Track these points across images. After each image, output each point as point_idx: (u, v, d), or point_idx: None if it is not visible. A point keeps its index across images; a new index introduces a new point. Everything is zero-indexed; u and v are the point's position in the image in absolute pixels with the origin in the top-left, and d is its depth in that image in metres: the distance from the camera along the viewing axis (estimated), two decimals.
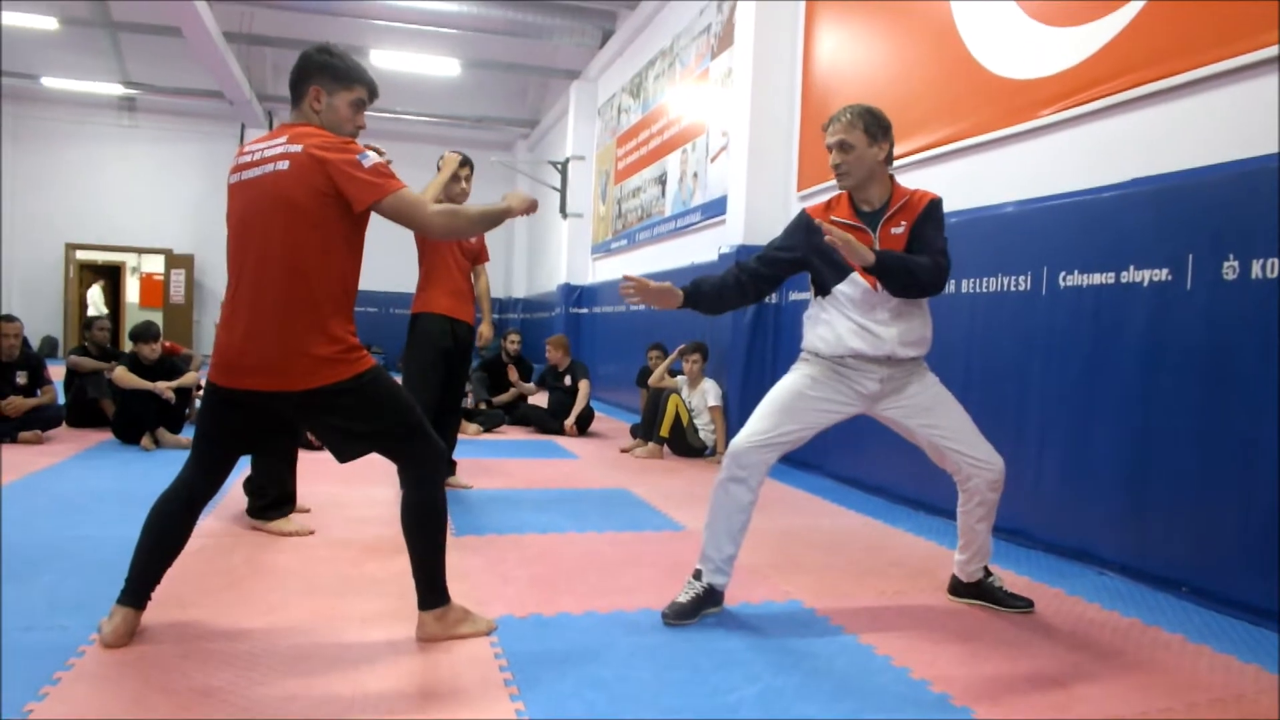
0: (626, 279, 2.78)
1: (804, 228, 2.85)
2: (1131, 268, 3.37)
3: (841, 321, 2.75)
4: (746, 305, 3.02)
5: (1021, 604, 2.93)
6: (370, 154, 2.33)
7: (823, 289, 2.82)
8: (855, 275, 2.72)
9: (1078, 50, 3.88)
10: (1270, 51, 3.04)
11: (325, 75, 2.42)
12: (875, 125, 2.71)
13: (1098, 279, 3.52)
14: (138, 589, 2.37)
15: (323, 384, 2.31)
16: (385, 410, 2.40)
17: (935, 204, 2.77)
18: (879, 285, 2.69)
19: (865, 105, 2.76)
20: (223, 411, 2.42)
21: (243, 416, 2.43)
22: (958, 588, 3.05)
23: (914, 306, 2.76)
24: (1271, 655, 2.59)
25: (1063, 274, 3.68)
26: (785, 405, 2.78)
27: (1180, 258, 3.17)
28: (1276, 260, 2.84)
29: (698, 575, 2.81)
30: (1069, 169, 3.91)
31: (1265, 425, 2.86)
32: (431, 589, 2.45)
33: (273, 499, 3.67)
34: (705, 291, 2.84)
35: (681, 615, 2.70)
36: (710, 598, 2.78)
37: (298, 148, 2.29)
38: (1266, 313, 2.86)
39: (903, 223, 2.74)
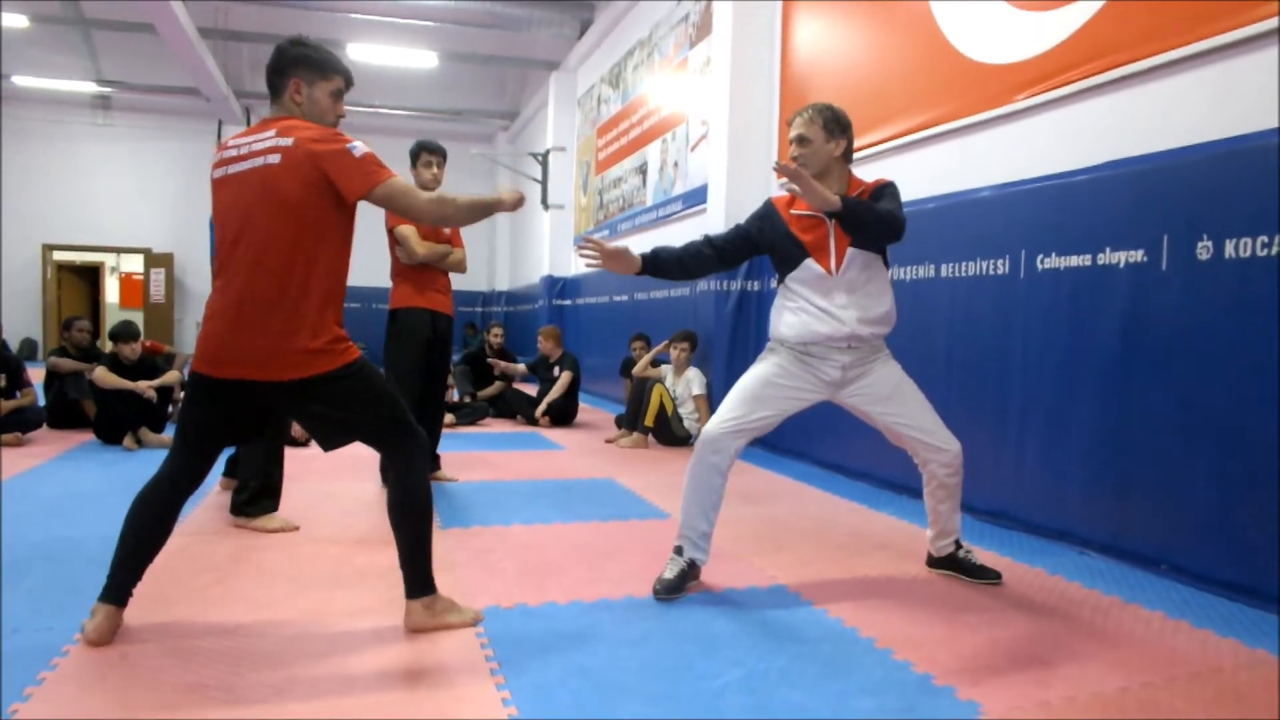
0: (585, 240, 2.86)
1: (765, 217, 3.01)
2: (1108, 249, 3.40)
3: (803, 308, 2.89)
4: (709, 274, 3.16)
5: (990, 575, 3.06)
6: (359, 144, 2.36)
7: (781, 275, 2.99)
8: (808, 262, 2.87)
9: (1053, 34, 3.90)
10: (1244, 32, 3.08)
11: (304, 67, 2.44)
12: (833, 122, 2.86)
13: (1075, 261, 3.55)
14: (119, 585, 2.36)
15: (310, 374, 2.32)
16: (370, 401, 2.42)
17: (886, 184, 2.89)
18: (832, 268, 2.83)
19: (828, 104, 2.91)
20: (206, 403, 2.42)
21: (226, 408, 2.42)
22: (930, 560, 3.23)
23: (872, 285, 2.88)
24: (1249, 630, 2.63)
25: (1040, 257, 3.71)
26: (755, 393, 2.91)
27: (1155, 239, 3.20)
28: (1250, 240, 2.87)
29: (679, 551, 2.95)
30: (1045, 153, 3.93)
31: (1240, 403, 2.90)
32: (419, 578, 2.47)
33: (253, 492, 3.66)
34: (665, 259, 2.96)
35: (671, 590, 2.84)
36: (692, 571, 2.94)
37: (288, 140, 2.30)
38: (1241, 292, 2.90)
39: None
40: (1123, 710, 2.07)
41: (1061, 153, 3.83)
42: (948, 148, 4.64)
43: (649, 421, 6.29)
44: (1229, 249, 2.94)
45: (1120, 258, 3.35)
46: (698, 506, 2.94)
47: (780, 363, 2.93)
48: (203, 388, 2.40)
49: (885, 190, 2.87)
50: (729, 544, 3.49)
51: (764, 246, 3.01)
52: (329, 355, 2.34)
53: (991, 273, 3.97)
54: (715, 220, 6.61)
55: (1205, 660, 2.39)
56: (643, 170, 9.43)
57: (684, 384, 6.35)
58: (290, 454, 4.04)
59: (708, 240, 3.05)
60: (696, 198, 7.69)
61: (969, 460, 3.23)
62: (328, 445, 2.49)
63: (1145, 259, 3.25)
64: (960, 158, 4.53)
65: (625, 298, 9.37)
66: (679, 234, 8.12)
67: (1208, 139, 3.12)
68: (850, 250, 2.84)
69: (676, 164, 8.44)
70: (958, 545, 3.14)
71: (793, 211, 2.94)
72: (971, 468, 3.20)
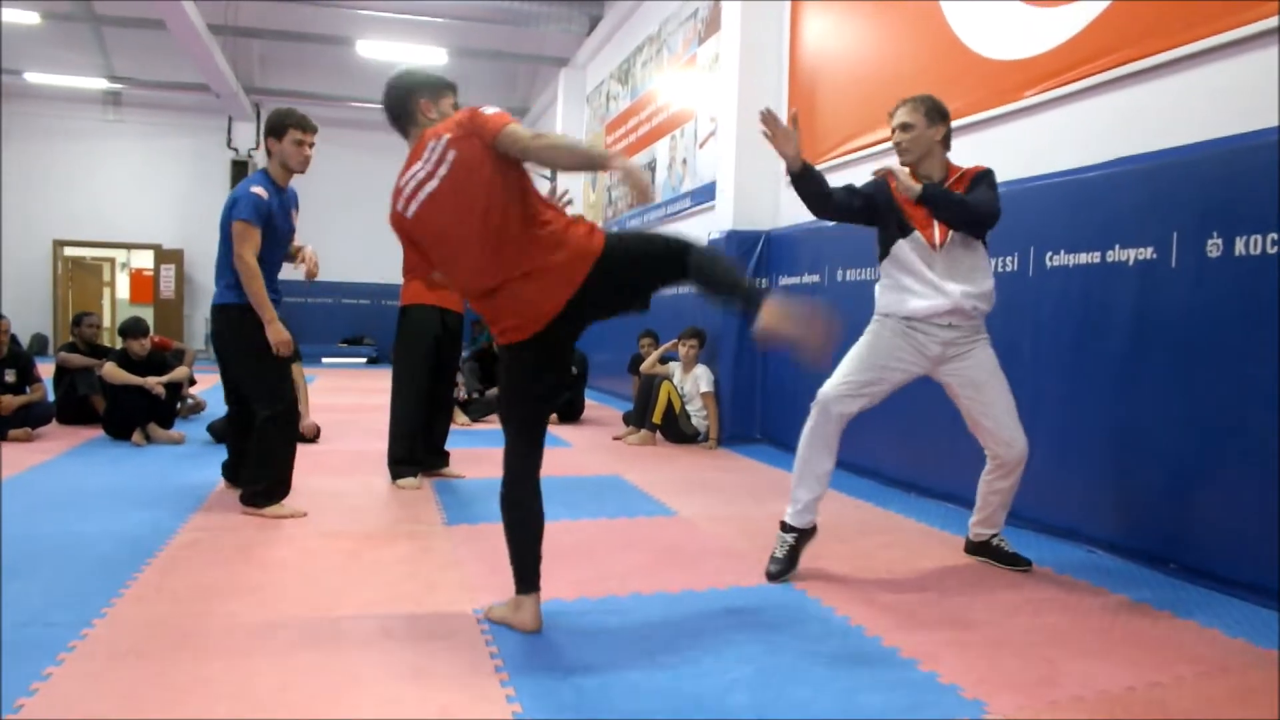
0: (769, 113, 2.95)
1: (879, 186, 3.15)
2: (1117, 247, 3.38)
3: (908, 281, 3.06)
4: (827, 214, 3.17)
5: (1022, 563, 3.19)
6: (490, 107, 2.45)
7: (886, 248, 3.13)
8: (916, 234, 3.05)
9: (1063, 30, 3.88)
10: (1254, 28, 3.05)
11: (425, 89, 2.59)
12: (934, 111, 3.07)
13: (1084, 259, 3.53)
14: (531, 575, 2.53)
15: (597, 258, 2.36)
16: (647, 250, 2.49)
17: (984, 171, 3.08)
18: (937, 242, 2.99)
19: (929, 94, 3.11)
20: (528, 363, 2.50)
21: (546, 359, 2.50)
22: (968, 546, 3.36)
23: (973, 261, 3.04)
24: (1257, 629, 2.62)
25: (1049, 254, 3.70)
26: (865, 359, 3.08)
27: (1165, 236, 3.19)
28: (1260, 237, 2.86)
29: (786, 528, 3.09)
30: (1054, 149, 3.91)
31: (1250, 402, 2.88)
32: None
33: (265, 486, 3.70)
34: (814, 177, 3.04)
35: (784, 569, 3.03)
36: (803, 539, 3.10)
37: (447, 135, 2.40)
38: (1251, 289, 2.87)
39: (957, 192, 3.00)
40: (1129, 710, 2.06)
41: (1071, 149, 3.80)
42: (957, 144, 4.54)
43: (657, 419, 6.28)
44: (1239, 246, 2.92)
45: (1130, 255, 3.33)
46: (812, 472, 3.06)
47: (885, 334, 3.10)
48: (519, 350, 2.47)
49: (983, 178, 3.03)
50: (736, 540, 3.49)
51: (877, 212, 3.11)
52: (592, 236, 2.40)
53: (1000, 270, 3.94)
54: (724, 217, 6.60)
55: (1213, 659, 2.38)
56: (651, 167, 9.42)
57: (692, 381, 6.34)
58: (301, 450, 4.05)
59: (848, 187, 3.16)
60: (705, 195, 7.68)
61: (976, 458, 3.23)
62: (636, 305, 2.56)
63: (1155, 256, 3.23)
64: (969, 154, 4.49)
65: None
66: (688, 230, 8.11)
67: (1218, 135, 3.09)
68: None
69: (685, 161, 8.43)
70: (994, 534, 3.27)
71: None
72: (978, 465, 3.20)
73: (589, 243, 2.37)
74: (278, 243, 3.77)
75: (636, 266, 2.47)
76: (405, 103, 2.56)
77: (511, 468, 2.57)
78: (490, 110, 2.40)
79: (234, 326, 3.72)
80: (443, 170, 2.39)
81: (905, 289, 3.07)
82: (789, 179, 3.04)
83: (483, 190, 2.35)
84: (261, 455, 3.73)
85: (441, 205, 2.40)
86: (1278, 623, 2.67)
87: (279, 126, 3.71)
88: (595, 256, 2.36)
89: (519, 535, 2.55)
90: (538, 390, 2.57)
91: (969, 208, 2.91)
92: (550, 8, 11.19)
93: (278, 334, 3.63)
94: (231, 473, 4.20)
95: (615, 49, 10.99)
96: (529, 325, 2.43)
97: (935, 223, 3.02)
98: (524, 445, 2.58)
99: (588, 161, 2.55)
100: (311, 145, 3.77)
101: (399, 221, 2.51)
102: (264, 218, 3.64)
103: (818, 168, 5.76)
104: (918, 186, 2.88)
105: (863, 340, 3.14)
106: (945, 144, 3.10)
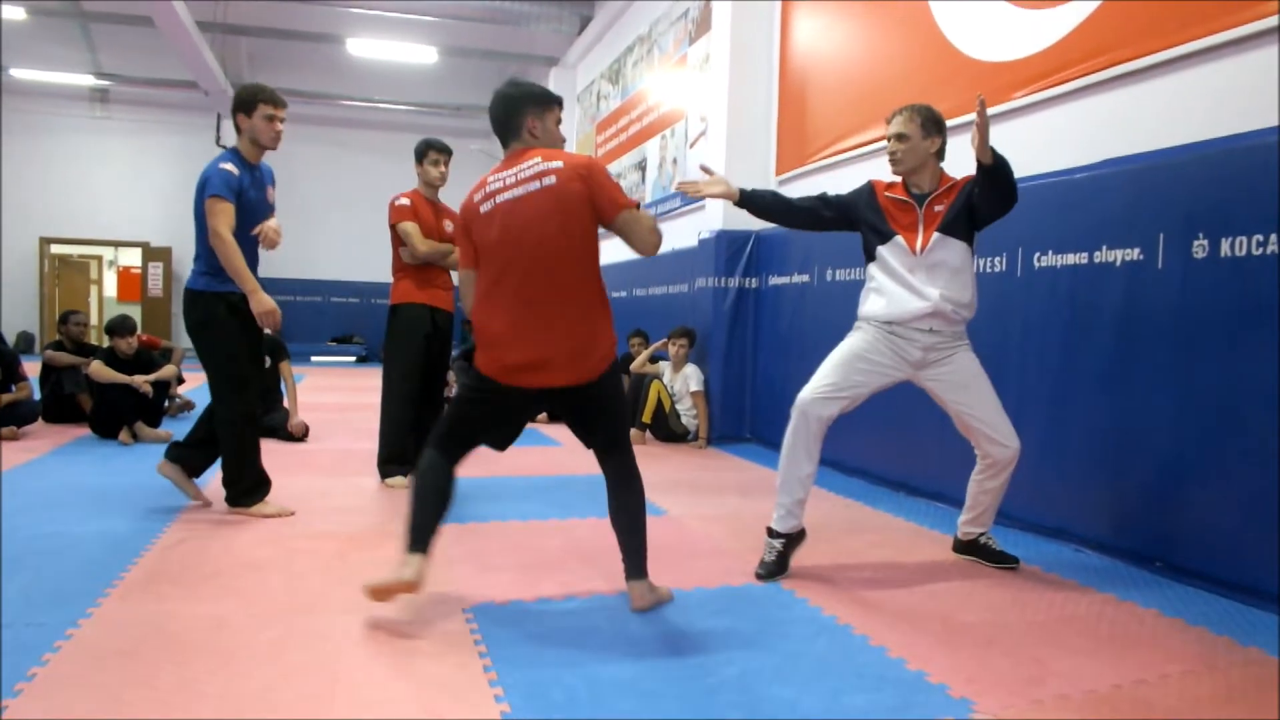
0: (683, 184, 3.16)
1: (863, 193, 3.21)
2: (1104, 247, 3.40)
3: (890, 285, 3.08)
4: (795, 226, 3.38)
5: (1009, 561, 3.21)
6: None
7: (870, 253, 3.16)
8: (897, 239, 3.07)
9: (1051, 32, 3.90)
10: (1242, 30, 3.07)
11: (532, 104, 2.67)
12: (930, 122, 3.07)
13: (1071, 259, 3.55)
14: (424, 537, 2.56)
15: (604, 372, 2.57)
16: (620, 410, 2.74)
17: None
18: (918, 247, 3.03)
19: (926, 104, 3.11)
20: (490, 403, 2.66)
21: (509, 409, 2.68)
22: (956, 545, 3.38)
23: (952, 266, 3.04)
24: (1243, 628, 2.64)
25: (1037, 255, 3.71)
26: (843, 363, 3.09)
27: (1152, 237, 3.20)
28: (1245, 239, 2.87)
29: (772, 534, 3.10)
30: (1042, 150, 3.93)
31: (1237, 401, 2.90)
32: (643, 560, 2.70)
33: (248, 485, 3.69)
34: (764, 197, 3.25)
35: (773, 572, 3.04)
36: (791, 543, 3.11)
37: (558, 164, 2.52)
38: (1236, 290, 2.89)
39: (944, 202, 3.03)
40: (1116, 708, 2.07)
41: (1059, 151, 3.82)
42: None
43: (646, 418, 6.28)
44: (1225, 247, 2.94)
45: (1117, 256, 3.35)
46: (795, 476, 3.06)
47: (866, 338, 3.11)
48: (492, 391, 2.63)
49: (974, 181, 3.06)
50: (724, 539, 3.49)
51: (857, 219, 3.17)
52: (608, 359, 2.60)
53: (989, 270, 3.97)
54: (713, 218, 6.60)
55: (1199, 658, 2.39)
56: (642, 167, 9.42)
57: (681, 380, 6.34)
58: (289, 449, 4.03)
59: (804, 198, 3.25)
60: None
61: (965, 457, 3.24)
62: (590, 442, 2.74)
63: (1142, 257, 3.25)
64: (958, 155, 4.51)
65: (624, 294, 9.36)
66: (677, 230, 8.11)
67: (1205, 137, 3.11)
68: (935, 235, 3.02)
69: (675, 160, 8.43)
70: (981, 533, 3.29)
71: (888, 195, 3.14)
72: (967, 464, 3.21)
73: (600, 363, 2.55)
74: (253, 220, 3.64)
75: (602, 414, 2.68)
76: (513, 115, 2.65)
77: (445, 451, 2.67)
78: (613, 175, 2.48)
79: (198, 315, 3.61)
80: (534, 186, 2.49)
81: (886, 293, 3.08)
82: (742, 205, 3.19)
83: (558, 227, 2.47)
84: (227, 453, 3.69)
85: (514, 216, 2.50)
86: (1275, 624, 2.68)
87: (249, 102, 3.60)
88: (589, 377, 2.55)
89: (427, 503, 2.60)
90: (499, 432, 2.75)
91: (1014, 184, 2.92)
92: (541, 7, 11.17)
93: (261, 304, 3.50)
94: (174, 453, 3.85)
95: (606, 49, 10.99)
96: (504, 375, 2.56)
97: (918, 228, 3.04)
98: (461, 448, 2.71)
99: (656, 250, 2.66)
100: (282, 120, 3.66)
101: (467, 208, 2.62)
102: (236, 193, 3.52)
103: (808, 167, 5.84)
104: (990, 149, 2.83)
105: (843, 344, 3.16)
106: (939, 156, 3.10)
